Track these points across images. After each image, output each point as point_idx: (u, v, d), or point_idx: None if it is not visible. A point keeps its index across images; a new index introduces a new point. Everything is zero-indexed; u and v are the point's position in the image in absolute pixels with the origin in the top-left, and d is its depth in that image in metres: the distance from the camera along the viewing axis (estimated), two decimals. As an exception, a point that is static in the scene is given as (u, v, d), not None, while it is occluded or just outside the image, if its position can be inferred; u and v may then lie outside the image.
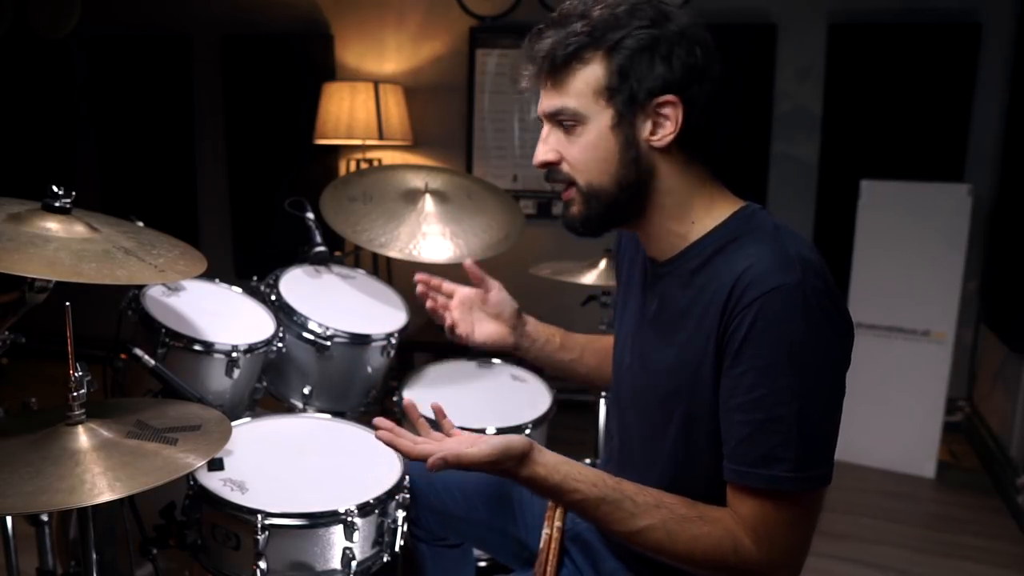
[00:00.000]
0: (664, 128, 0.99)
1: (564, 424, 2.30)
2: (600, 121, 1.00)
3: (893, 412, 2.99)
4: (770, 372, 0.91)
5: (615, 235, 1.29)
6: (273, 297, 1.91)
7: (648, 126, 1.00)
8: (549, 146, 1.05)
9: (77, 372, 1.08)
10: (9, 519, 1.55)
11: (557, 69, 1.00)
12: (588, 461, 1.95)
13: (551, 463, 0.99)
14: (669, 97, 0.98)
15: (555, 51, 0.99)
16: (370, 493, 1.36)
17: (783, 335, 0.90)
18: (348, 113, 3.52)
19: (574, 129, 1.02)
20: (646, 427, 1.11)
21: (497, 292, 1.40)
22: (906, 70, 3.31)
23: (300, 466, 1.49)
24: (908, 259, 2.99)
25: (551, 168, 1.06)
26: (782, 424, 0.91)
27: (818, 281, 0.93)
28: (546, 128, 1.06)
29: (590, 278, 2.22)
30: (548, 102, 1.03)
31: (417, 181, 2.22)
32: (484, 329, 1.40)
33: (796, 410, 0.90)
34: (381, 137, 3.57)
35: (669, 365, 1.04)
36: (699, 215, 1.04)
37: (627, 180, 1.02)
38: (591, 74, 0.99)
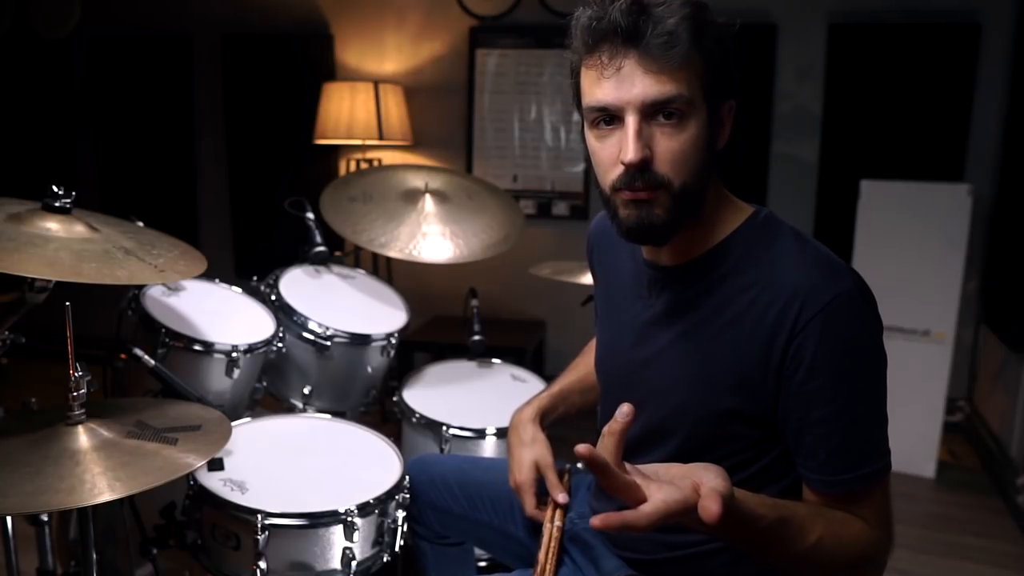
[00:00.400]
0: (724, 132, 0.98)
1: (564, 424, 2.30)
2: (701, 116, 0.92)
3: (893, 412, 2.96)
4: (846, 380, 0.93)
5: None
6: (273, 297, 1.91)
7: (718, 127, 0.97)
8: (645, 141, 0.90)
9: (77, 372, 1.08)
10: (9, 519, 1.56)
11: (677, 51, 0.88)
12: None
13: (732, 496, 0.79)
14: (732, 102, 0.97)
15: (677, 30, 0.87)
16: (370, 493, 1.36)
17: (851, 342, 0.92)
18: (348, 113, 3.52)
19: (680, 123, 0.91)
20: (658, 430, 1.09)
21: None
22: (906, 70, 3.31)
23: (300, 466, 1.49)
24: (908, 259, 2.99)
25: (641, 169, 0.91)
26: (866, 423, 0.95)
27: (859, 281, 0.95)
28: (637, 119, 0.90)
29: (590, 278, 2.21)
30: (657, 87, 0.89)
31: (417, 181, 2.22)
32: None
33: (874, 406, 0.96)
34: (381, 137, 3.57)
35: (707, 374, 0.99)
36: (711, 217, 1.01)
37: (707, 182, 0.96)
38: (697, 65, 0.90)
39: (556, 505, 1.25)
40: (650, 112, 0.90)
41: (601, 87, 0.92)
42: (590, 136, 0.97)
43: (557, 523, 1.23)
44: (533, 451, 1.26)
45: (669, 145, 0.91)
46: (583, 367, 1.43)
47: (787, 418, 0.96)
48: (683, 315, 1.03)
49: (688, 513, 0.75)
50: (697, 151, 0.93)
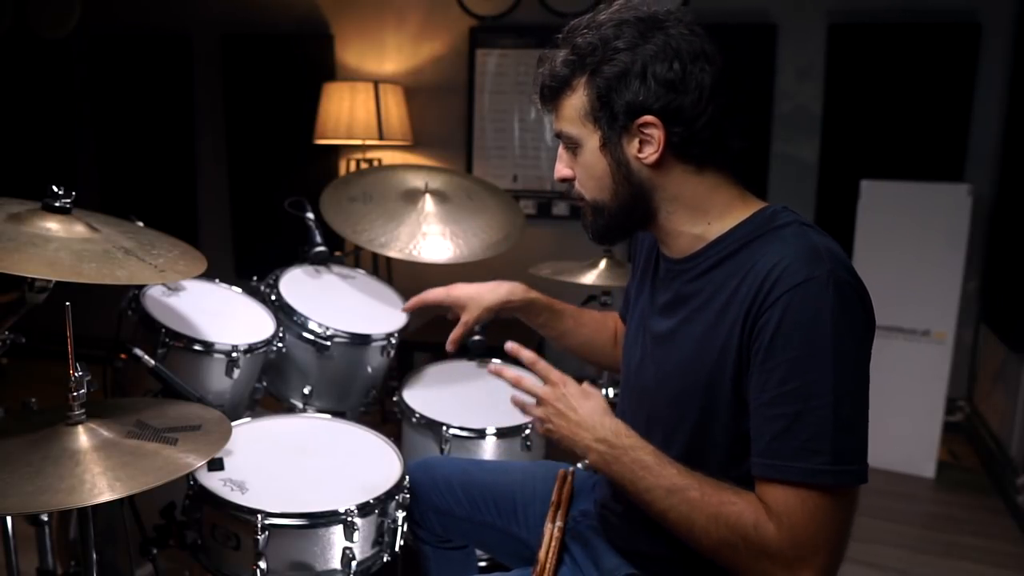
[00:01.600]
0: (650, 146, 1.01)
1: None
2: (591, 143, 1.05)
3: (893, 412, 2.99)
4: (802, 364, 0.90)
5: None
6: (273, 297, 1.91)
7: (636, 144, 1.02)
8: (564, 163, 1.11)
9: (77, 372, 1.08)
10: (9, 519, 1.55)
11: (552, 98, 1.07)
12: (588, 461, 1.95)
13: (611, 414, 1.08)
14: (648, 118, 0.99)
15: (545, 83, 1.06)
16: (370, 493, 1.36)
17: (814, 327, 0.90)
18: (348, 113, 3.52)
19: (575, 150, 1.08)
20: (660, 423, 1.10)
21: (457, 296, 1.57)
22: (906, 70, 3.31)
23: (300, 466, 1.49)
24: (908, 259, 2.99)
25: (569, 183, 1.12)
26: (816, 416, 0.90)
27: (846, 274, 0.93)
28: (561, 146, 1.11)
29: (590, 278, 2.22)
30: (555, 125, 1.10)
31: (417, 181, 2.22)
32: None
33: (830, 402, 0.89)
34: (381, 137, 3.57)
35: (685, 361, 1.04)
36: (715, 217, 1.05)
37: (624, 195, 1.06)
38: (577, 100, 1.04)
39: (558, 506, 1.26)
40: (561, 141, 1.10)
41: None
42: None
43: (559, 523, 1.24)
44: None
45: (575, 168, 1.10)
46: (587, 314, 1.55)
47: (751, 398, 0.96)
48: (683, 304, 1.07)
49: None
50: (595, 172, 1.06)
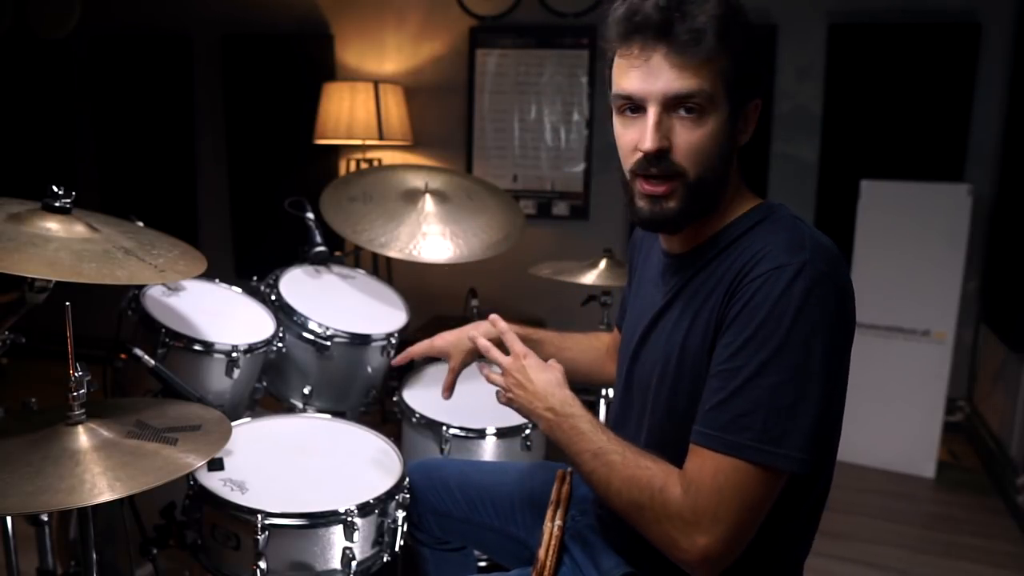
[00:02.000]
0: (748, 128, 1.02)
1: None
2: (722, 112, 0.96)
3: (893, 412, 2.99)
4: (752, 343, 0.91)
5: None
6: (273, 297, 1.91)
7: (740, 123, 1.01)
8: (663, 132, 0.96)
9: (77, 372, 1.08)
10: (9, 519, 1.55)
11: (701, 48, 0.92)
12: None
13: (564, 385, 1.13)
14: (757, 100, 1.00)
15: (705, 28, 0.91)
16: (370, 493, 1.36)
17: (774, 310, 0.90)
18: (348, 113, 3.52)
19: (699, 117, 0.95)
20: (658, 419, 1.10)
21: (440, 347, 1.49)
22: (906, 70, 3.30)
23: (300, 466, 1.49)
24: (908, 259, 2.99)
25: (657, 157, 0.96)
26: (753, 394, 0.90)
27: (825, 266, 0.92)
28: (657, 111, 0.95)
29: (590, 278, 2.22)
30: (680, 82, 0.93)
31: (417, 181, 2.22)
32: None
33: (771, 384, 0.89)
34: (381, 137, 3.57)
35: (683, 346, 1.04)
36: (724, 207, 1.05)
37: (722, 175, 1.01)
38: (722, 63, 0.94)
39: (557, 505, 1.26)
40: (672, 104, 0.95)
41: (628, 77, 0.97)
42: (616, 122, 1.02)
43: (558, 522, 1.24)
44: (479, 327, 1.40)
45: (687, 137, 0.96)
46: (575, 338, 1.52)
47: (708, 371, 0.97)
48: (681, 297, 1.07)
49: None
50: (715, 145, 0.97)
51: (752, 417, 0.89)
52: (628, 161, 1.01)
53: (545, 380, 1.13)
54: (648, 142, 0.95)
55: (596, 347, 1.50)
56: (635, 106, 0.98)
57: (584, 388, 1.76)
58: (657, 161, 0.96)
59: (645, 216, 1.01)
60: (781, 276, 0.91)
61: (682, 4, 0.93)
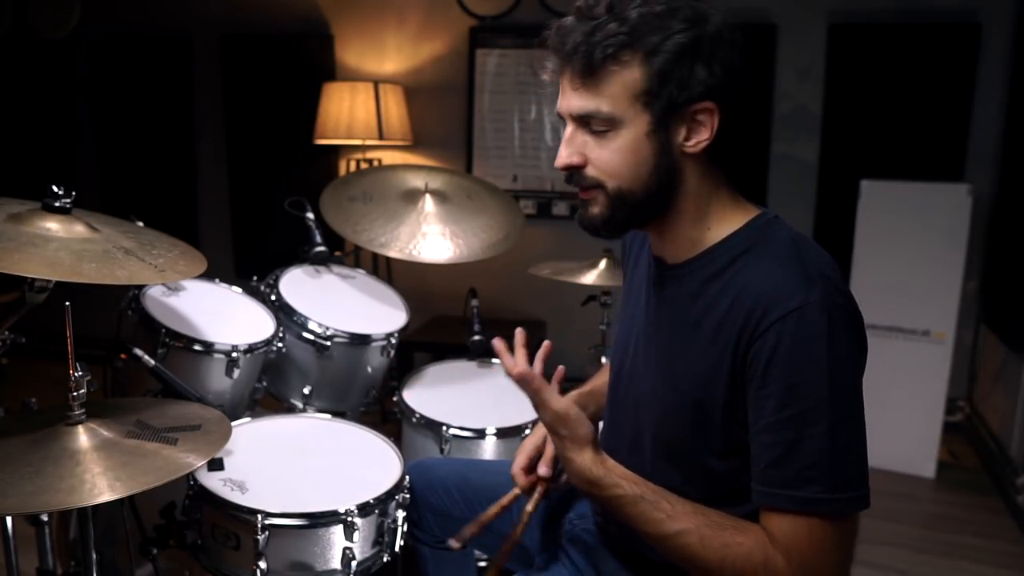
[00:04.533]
0: (699, 135, 0.97)
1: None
2: (636, 126, 0.95)
3: (893, 412, 2.99)
4: (798, 392, 0.89)
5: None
6: (273, 297, 1.91)
7: (683, 132, 0.97)
8: (575, 148, 0.99)
9: (77, 372, 1.08)
10: (9, 519, 1.55)
11: (592, 69, 0.94)
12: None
13: (601, 454, 1.00)
14: (707, 104, 0.95)
15: (592, 50, 0.92)
16: (370, 493, 1.36)
17: (809, 354, 0.89)
18: (348, 113, 3.52)
19: (606, 133, 0.97)
20: (649, 437, 1.10)
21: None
22: (906, 70, 3.30)
23: (300, 466, 1.49)
24: (908, 259, 2.99)
25: (574, 171, 1.00)
26: (812, 444, 0.88)
27: (840, 298, 0.91)
28: (571, 128, 0.99)
29: (590, 278, 2.22)
30: (579, 102, 0.96)
31: (417, 181, 2.22)
32: None
33: (825, 430, 0.88)
34: (381, 137, 3.57)
35: (681, 374, 1.02)
36: (714, 221, 1.02)
37: (657, 185, 0.98)
38: (628, 77, 0.93)
39: (537, 480, 1.22)
40: (581, 122, 0.98)
41: (559, 95, 1.01)
42: None
43: (536, 496, 1.20)
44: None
45: (599, 153, 0.98)
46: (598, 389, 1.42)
47: (750, 424, 0.95)
48: (675, 313, 1.05)
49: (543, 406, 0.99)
50: (631, 159, 0.97)
51: (817, 469, 0.89)
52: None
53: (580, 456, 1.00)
54: (558, 159, 1.01)
55: None
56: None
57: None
58: (572, 175, 1.01)
59: (579, 219, 1.05)
60: (803, 318, 0.89)
61: (586, 24, 0.94)
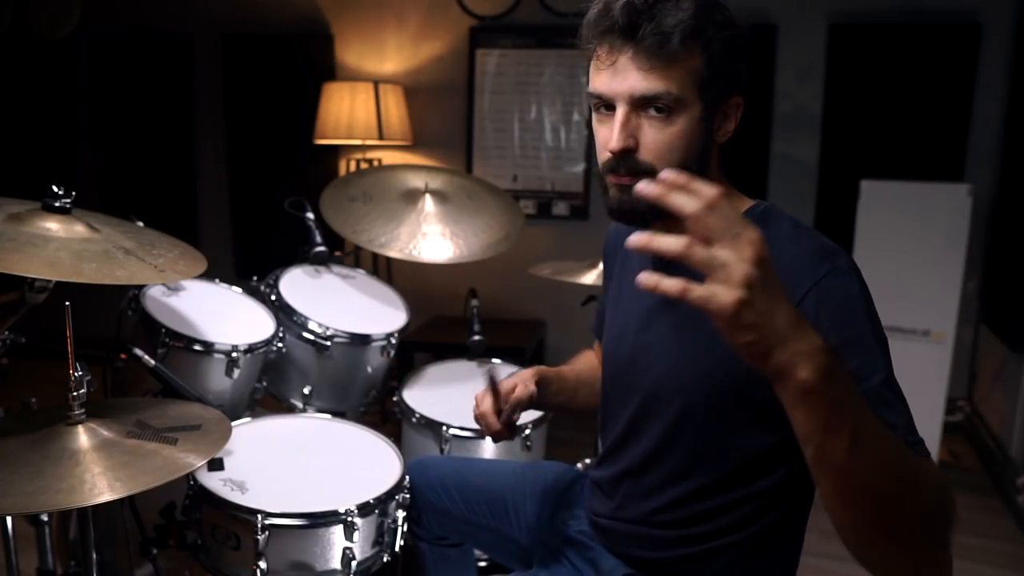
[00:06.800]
0: (727, 126, 1.02)
1: (564, 425, 2.30)
2: (693, 111, 0.97)
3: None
4: (850, 348, 0.87)
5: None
6: (273, 297, 1.91)
7: (719, 121, 1.01)
8: (630, 131, 0.97)
9: (77, 372, 1.08)
10: (9, 519, 1.56)
11: (668, 51, 0.94)
12: (588, 461, 1.95)
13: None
14: (739, 98, 1.01)
15: (669, 32, 0.93)
16: (370, 493, 1.36)
17: (851, 310, 0.92)
18: (348, 113, 3.52)
19: (668, 116, 0.97)
20: (655, 421, 1.09)
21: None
22: (906, 70, 3.31)
23: (300, 466, 1.49)
24: (908, 259, 2.99)
25: (623, 156, 0.98)
26: (881, 393, 0.88)
27: (852, 263, 0.96)
28: (624, 111, 0.97)
29: (590, 278, 2.22)
30: (646, 83, 0.95)
31: (417, 181, 2.22)
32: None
33: (885, 377, 0.90)
34: (381, 137, 3.57)
35: (703, 348, 1.01)
36: None
37: (698, 172, 0.98)
38: (692, 63, 0.96)
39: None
40: (640, 104, 0.97)
41: (600, 77, 1.00)
42: (593, 119, 1.05)
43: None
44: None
45: (655, 137, 0.97)
46: (579, 363, 1.44)
47: None
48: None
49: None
50: (685, 144, 0.98)
51: (894, 413, 0.87)
52: (601, 157, 1.03)
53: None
54: (613, 142, 0.98)
55: (595, 366, 1.44)
56: (608, 104, 1.00)
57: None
58: (623, 159, 0.98)
59: (615, 206, 1.02)
60: (836, 280, 0.93)
61: (652, 6, 0.94)
